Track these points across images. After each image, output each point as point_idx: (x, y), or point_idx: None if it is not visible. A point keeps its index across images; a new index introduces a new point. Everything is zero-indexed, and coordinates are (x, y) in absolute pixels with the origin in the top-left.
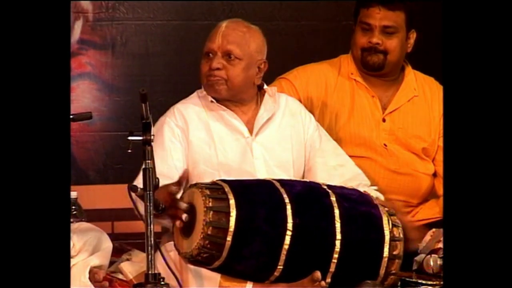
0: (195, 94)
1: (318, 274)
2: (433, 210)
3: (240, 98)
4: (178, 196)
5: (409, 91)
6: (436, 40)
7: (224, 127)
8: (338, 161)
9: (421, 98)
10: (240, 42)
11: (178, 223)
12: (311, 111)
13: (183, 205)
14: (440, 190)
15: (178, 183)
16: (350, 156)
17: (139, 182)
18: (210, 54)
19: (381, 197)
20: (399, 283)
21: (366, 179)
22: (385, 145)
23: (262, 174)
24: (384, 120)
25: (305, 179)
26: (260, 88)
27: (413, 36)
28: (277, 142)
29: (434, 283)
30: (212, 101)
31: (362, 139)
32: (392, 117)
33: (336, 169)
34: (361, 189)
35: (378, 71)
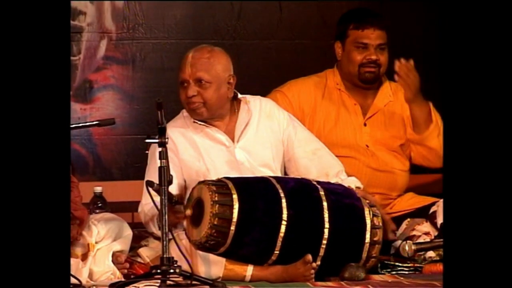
0: (180, 115)
1: (309, 256)
2: (409, 202)
3: (219, 114)
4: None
5: (385, 97)
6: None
7: (208, 141)
8: (314, 146)
9: (396, 102)
10: (206, 68)
11: (184, 221)
12: (302, 118)
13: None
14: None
15: (179, 196)
16: (338, 156)
17: (149, 175)
18: (185, 83)
19: (360, 185)
20: (379, 265)
21: (341, 165)
22: (367, 146)
23: (247, 175)
24: (365, 125)
25: (297, 176)
26: (234, 97)
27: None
28: (257, 144)
29: (409, 265)
30: (194, 122)
31: (347, 142)
32: (371, 121)
33: (314, 153)
34: (343, 178)
35: (373, 83)
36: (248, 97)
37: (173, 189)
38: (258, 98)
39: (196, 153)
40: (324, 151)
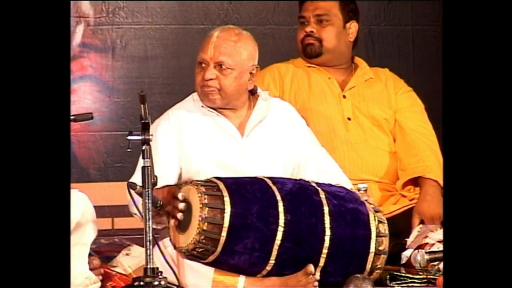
0: (189, 98)
1: (311, 267)
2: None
3: (233, 105)
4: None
5: (364, 73)
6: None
7: (217, 130)
8: (328, 166)
9: (376, 80)
10: (231, 52)
11: (173, 221)
12: None
13: (181, 204)
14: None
15: (175, 184)
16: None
17: (136, 179)
18: (203, 64)
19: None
20: (388, 277)
21: (351, 186)
22: (348, 118)
23: (252, 174)
24: (344, 97)
25: (294, 177)
26: (253, 92)
27: (353, 26)
28: (268, 144)
29: (422, 277)
30: (202, 106)
31: (323, 115)
32: (352, 93)
33: (325, 173)
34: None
35: (317, 58)
36: (268, 94)
37: (170, 178)
38: (277, 99)
39: (201, 140)
40: (337, 173)
